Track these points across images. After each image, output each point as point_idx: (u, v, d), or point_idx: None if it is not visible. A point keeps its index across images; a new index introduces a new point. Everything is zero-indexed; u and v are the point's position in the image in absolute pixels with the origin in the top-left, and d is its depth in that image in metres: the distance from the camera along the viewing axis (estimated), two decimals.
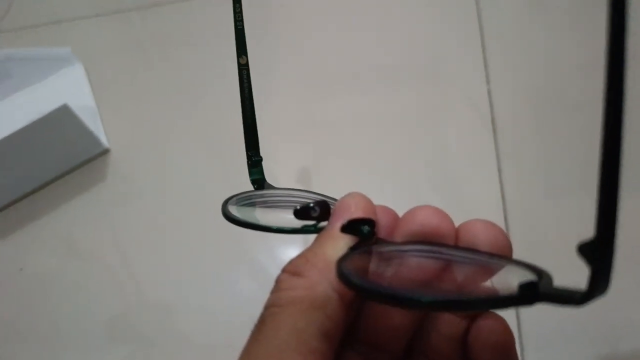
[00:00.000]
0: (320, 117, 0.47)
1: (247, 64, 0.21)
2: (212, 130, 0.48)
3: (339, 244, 0.17)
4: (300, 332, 0.14)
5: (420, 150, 0.44)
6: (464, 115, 0.45)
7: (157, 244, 0.44)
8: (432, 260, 0.16)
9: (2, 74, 0.49)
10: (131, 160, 0.49)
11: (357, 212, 0.17)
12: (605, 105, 0.12)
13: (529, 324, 0.35)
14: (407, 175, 0.43)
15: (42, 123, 0.43)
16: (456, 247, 0.16)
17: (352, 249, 0.16)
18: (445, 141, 0.44)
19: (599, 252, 0.12)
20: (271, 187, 0.22)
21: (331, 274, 0.15)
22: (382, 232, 0.17)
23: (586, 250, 0.12)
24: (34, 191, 0.48)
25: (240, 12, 0.21)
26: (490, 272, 0.15)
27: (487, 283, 0.15)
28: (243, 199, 0.21)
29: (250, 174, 0.22)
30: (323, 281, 0.15)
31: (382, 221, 0.18)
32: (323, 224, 0.18)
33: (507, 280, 0.14)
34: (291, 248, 0.41)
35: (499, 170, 0.42)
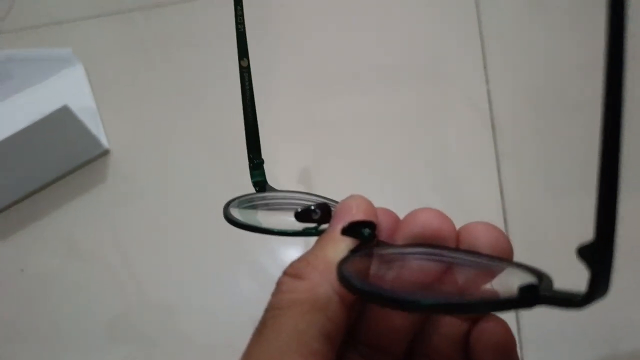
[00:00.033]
0: (320, 117, 0.47)
1: (248, 67, 0.22)
2: (213, 130, 0.48)
3: (339, 246, 0.17)
4: (302, 334, 0.14)
5: (420, 150, 0.44)
6: (464, 115, 0.45)
7: (157, 245, 0.45)
8: (432, 263, 0.16)
9: (3, 75, 0.49)
10: (132, 161, 0.49)
11: (358, 215, 0.17)
12: (604, 107, 0.12)
13: (529, 324, 0.35)
14: (406, 175, 0.43)
15: (43, 124, 0.43)
16: (457, 249, 0.16)
17: (353, 252, 0.17)
18: (445, 141, 0.44)
19: (598, 255, 0.12)
20: (273, 189, 0.22)
21: (332, 276, 0.15)
22: (383, 234, 0.18)
23: (586, 252, 0.12)
24: (34, 192, 0.48)
25: (242, 14, 0.21)
26: (491, 274, 0.15)
27: (488, 286, 0.15)
28: (245, 202, 0.21)
29: (252, 176, 0.22)
30: (324, 283, 0.15)
31: (383, 223, 0.18)
32: (324, 226, 0.18)
33: (508, 282, 0.14)
34: (291, 249, 0.41)
35: (499, 170, 0.42)
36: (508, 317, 0.17)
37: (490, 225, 0.16)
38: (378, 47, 0.50)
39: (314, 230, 0.18)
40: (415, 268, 0.16)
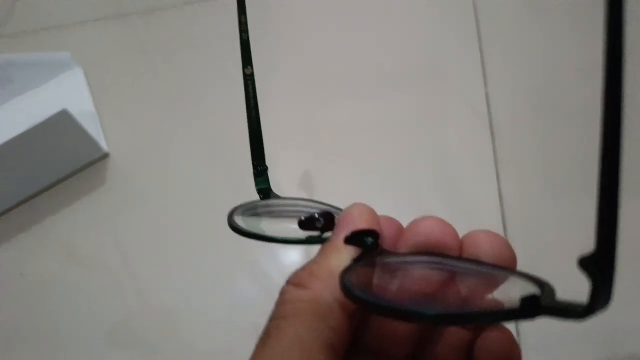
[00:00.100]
0: (320, 120, 0.47)
1: (252, 75, 0.22)
2: (213, 133, 0.49)
3: (342, 255, 0.17)
4: (306, 346, 0.14)
5: (419, 153, 0.44)
6: (463, 118, 0.45)
7: (158, 248, 0.45)
8: (436, 272, 0.16)
9: (3, 79, 0.49)
10: (131, 165, 0.49)
11: (361, 224, 0.17)
12: (603, 114, 0.12)
13: (529, 327, 0.36)
14: (406, 177, 0.43)
15: (42, 128, 0.43)
16: (460, 258, 0.16)
17: (356, 261, 0.17)
18: (444, 144, 0.44)
19: (600, 266, 0.12)
20: (277, 196, 0.22)
21: (335, 286, 0.15)
22: (386, 243, 0.18)
23: (587, 263, 0.12)
24: (34, 196, 0.48)
25: (246, 23, 0.21)
26: (494, 284, 0.16)
27: (491, 295, 0.16)
28: (249, 209, 0.21)
29: (257, 183, 0.22)
30: (327, 293, 0.16)
31: (386, 232, 0.18)
32: (327, 234, 0.18)
33: (510, 292, 0.15)
34: (292, 252, 0.41)
35: (497, 173, 0.42)
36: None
37: (493, 233, 0.16)
38: (377, 51, 0.50)
39: (317, 239, 0.19)
40: (419, 277, 0.16)
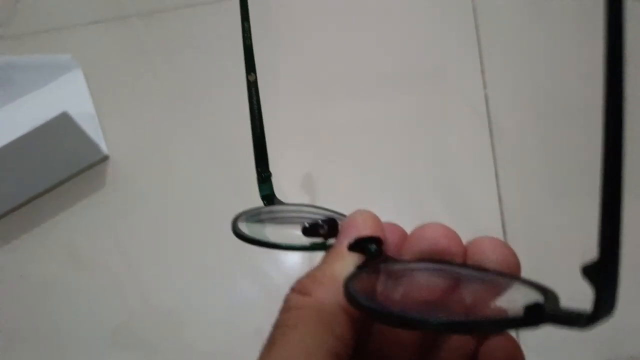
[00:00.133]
0: (320, 120, 0.47)
1: (255, 81, 0.22)
2: (213, 135, 0.49)
3: (346, 262, 0.17)
4: (310, 353, 0.15)
5: (419, 153, 0.45)
6: (463, 118, 0.45)
7: (158, 250, 0.45)
8: (440, 279, 0.16)
9: (4, 81, 0.49)
10: (131, 167, 0.49)
11: (364, 230, 0.17)
12: (604, 127, 0.12)
13: (529, 331, 0.36)
14: (406, 176, 0.44)
15: (42, 130, 0.43)
16: (464, 265, 0.16)
17: (360, 268, 0.17)
18: (444, 144, 0.45)
19: (603, 274, 0.12)
20: (280, 202, 0.22)
21: (339, 293, 0.15)
22: (390, 249, 0.18)
23: (590, 271, 0.12)
24: (34, 198, 0.48)
25: (249, 29, 0.21)
26: (498, 291, 0.16)
27: (494, 302, 0.16)
28: (252, 216, 0.21)
29: (260, 189, 0.22)
30: (331, 300, 0.16)
31: (390, 238, 0.18)
32: (331, 241, 0.18)
33: (514, 299, 0.15)
34: (293, 255, 0.41)
35: (496, 173, 0.42)
36: None
37: (498, 240, 0.16)
38: (377, 51, 0.50)
39: (321, 245, 0.19)
40: (422, 284, 0.16)
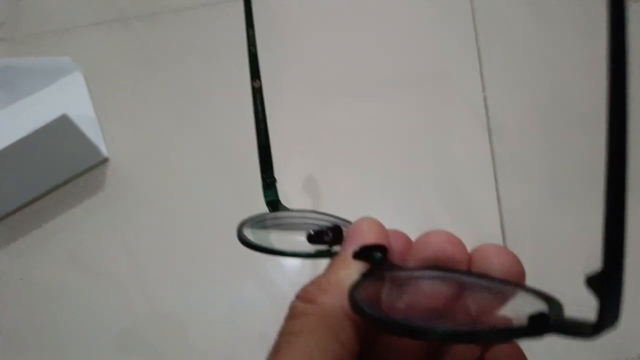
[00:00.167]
0: (320, 122, 0.48)
1: (260, 88, 0.22)
2: (214, 137, 0.49)
3: (351, 270, 0.17)
4: None
5: (419, 153, 0.45)
6: (463, 119, 0.45)
7: (157, 252, 0.45)
8: (444, 287, 0.16)
9: (4, 83, 0.49)
10: (131, 169, 0.49)
11: (369, 238, 0.17)
12: (608, 134, 0.11)
13: None
14: (406, 177, 0.44)
15: (42, 133, 0.43)
16: (469, 272, 0.16)
17: (365, 275, 0.17)
18: (444, 144, 0.45)
19: (607, 285, 0.12)
20: (285, 208, 0.22)
21: (344, 301, 0.15)
22: (394, 257, 0.18)
23: (594, 282, 0.12)
24: (33, 200, 0.48)
25: (253, 36, 0.22)
26: (502, 299, 0.16)
27: (499, 311, 0.16)
28: (258, 222, 0.21)
29: (265, 195, 0.22)
30: (336, 308, 0.16)
31: (395, 246, 0.18)
32: (336, 248, 0.19)
33: (519, 308, 0.15)
34: (299, 262, 0.41)
35: (495, 175, 0.42)
36: None
37: (502, 248, 0.17)
38: (377, 54, 0.50)
39: (326, 253, 0.19)
40: (427, 292, 0.17)
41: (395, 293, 0.17)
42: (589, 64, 0.45)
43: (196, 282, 0.42)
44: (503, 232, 0.41)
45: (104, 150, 0.49)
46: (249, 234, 0.20)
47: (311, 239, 0.18)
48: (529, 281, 0.16)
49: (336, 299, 0.16)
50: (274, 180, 0.23)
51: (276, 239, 0.21)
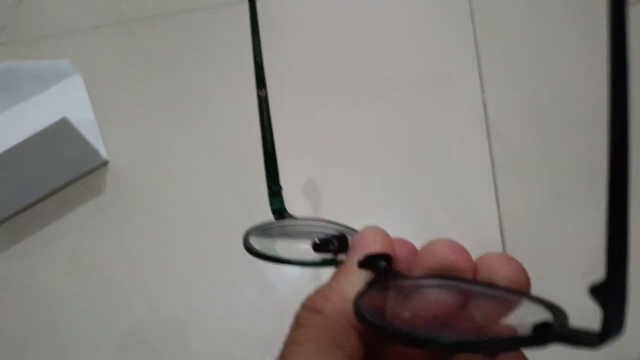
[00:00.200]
0: (319, 123, 0.48)
1: (266, 97, 0.22)
2: (214, 140, 0.49)
3: (356, 279, 0.17)
4: None
5: (419, 154, 0.45)
6: (462, 121, 0.46)
7: (157, 256, 0.45)
8: (449, 295, 0.17)
9: (3, 86, 0.49)
10: (131, 172, 0.49)
11: (374, 247, 0.17)
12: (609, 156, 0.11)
13: None
14: (406, 177, 0.44)
15: (42, 136, 0.43)
16: (474, 281, 0.17)
17: (370, 284, 0.17)
18: (444, 145, 0.45)
19: (611, 295, 0.12)
20: (291, 216, 0.23)
21: (349, 311, 0.16)
22: (400, 265, 0.18)
23: (597, 292, 0.12)
24: (33, 204, 0.48)
25: (259, 45, 0.22)
26: (507, 308, 0.16)
27: (503, 320, 0.16)
28: (264, 230, 0.21)
29: (271, 203, 0.23)
30: (341, 318, 0.16)
31: (400, 254, 0.18)
32: (341, 256, 0.19)
33: (523, 317, 0.15)
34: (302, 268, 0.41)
35: (494, 177, 0.43)
36: None
37: (507, 256, 0.17)
38: (376, 55, 0.50)
39: (331, 261, 0.19)
40: (432, 301, 0.17)
41: (400, 302, 0.17)
42: (589, 65, 0.45)
43: (196, 284, 0.42)
44: (502, 232, 0.41)
45: (103, 153, 0.49)
46: (255, 242, 0.20)
47: (316, 247, 0.19)
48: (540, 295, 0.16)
49: (341, 308, 0.16)
50: (279, 189, 0.23)
51: (282, 247, 0.21)
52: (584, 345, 0.13)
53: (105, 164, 0.49)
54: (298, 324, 0.16)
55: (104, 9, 0.55)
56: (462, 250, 0.17)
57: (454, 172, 0.44)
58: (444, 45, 0.49)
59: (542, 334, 0.14)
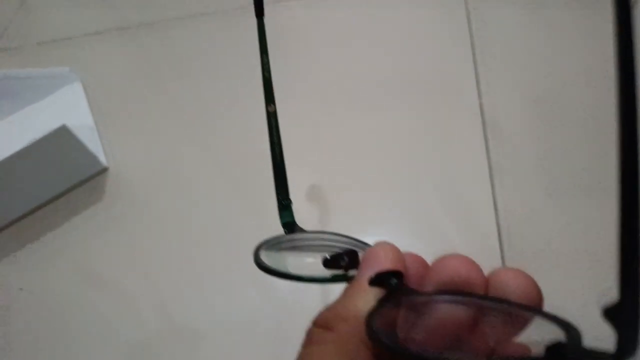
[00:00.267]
0: (321, 130, 0.48)
1: (275, 112, 0.22)
2: (214, 146, 0.49)
3: (367, 296, 0.17)
4: None
5: (419, 155, 0.45)
6: (461, 121, 0.46)
7: (157, 261, 0.45)
8: (461, 312, 0.17)
9: (2, 93, 0.49)
10: (130, 178, 0.49)
11: (385, 264, 0.17)
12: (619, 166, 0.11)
13: None
14: (406, 177, 0.44)
15: (41, 144, 0.43)
16: (486, 297, 0.17)
17: (381, 302, 0.17)
18: (443, 145, 0.45)
19: (624, 316, 0.12)
20: (301, 230, 0.22)
21: (361, 328, 0.16)
22: (411, 280, 0.18)
23: (611, 313, 0.12)
24: (33, 210, 0.48)
25: (267, 62, 0.22)
26: (520, 324, 0.16)
27: (515, 338, 0.16)
28: (273, 245, 0.21)
29: (281, 217, 0.23)
30: (353, 336, 0.16)
31: (411, 269, 0.18)
32: (352, 272, 0.19)
33: (536, 335, 0.15)
34: None
35: (491, 177, 0.43)
36: None
37: (520, 272, 0.16)
38: (375, 58, 0.51)
39: (342, 277, 0.19)
40: (444, 317, 0.17)
41: (412, 318, 0.17)
42: (587, 65, 0.45)
43: (199, 290, 0.42)
44: (499, 233, 0.41)
45: (103, 159, 0.49)
46: (265, 257, 0.20)
47: (327, 264, 0.19)
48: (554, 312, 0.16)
49: (353, 326, 0.16)
50: (289, 202, 0.23)
51: (292, 262, 0.21)
52: None
53: (104, 170, 0.49)
54: (310, 340, 0.16)
55: (104, 15, 0.55)
56: (474, 266, 0.17)
57: (454, 172, 0.44)
58: (443, 46, 0.50)
59: (555, 355, 0.14)
